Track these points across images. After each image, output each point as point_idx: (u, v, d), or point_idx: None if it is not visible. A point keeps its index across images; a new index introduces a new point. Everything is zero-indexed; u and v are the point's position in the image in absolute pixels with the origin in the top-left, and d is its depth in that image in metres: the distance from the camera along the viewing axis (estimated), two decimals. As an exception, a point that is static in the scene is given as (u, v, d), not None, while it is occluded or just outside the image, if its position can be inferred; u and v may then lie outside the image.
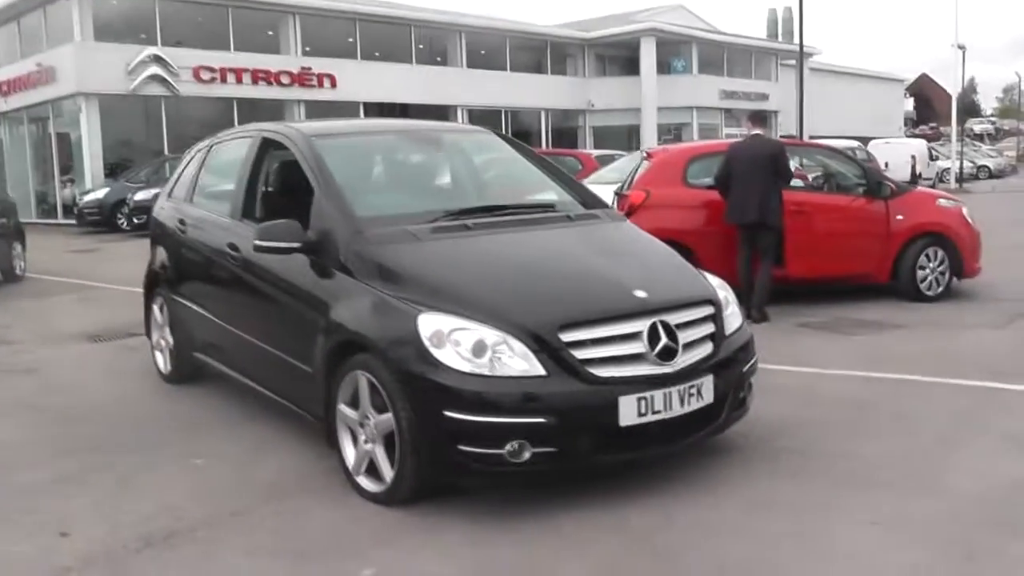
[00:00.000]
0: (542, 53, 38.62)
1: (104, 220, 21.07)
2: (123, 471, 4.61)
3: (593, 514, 3.90)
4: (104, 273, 13.28)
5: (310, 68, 29.26)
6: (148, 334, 6.68)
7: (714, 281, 4.65)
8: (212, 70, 26.89)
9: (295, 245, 4.45)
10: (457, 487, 4.06)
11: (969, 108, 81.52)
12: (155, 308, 6.48)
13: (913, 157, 32.50)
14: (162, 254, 6.35)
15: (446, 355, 3.76)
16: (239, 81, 27.58)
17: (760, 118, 9.00)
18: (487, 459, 3.74)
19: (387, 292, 4.07)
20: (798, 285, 8.74)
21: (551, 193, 5.31)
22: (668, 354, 4.00)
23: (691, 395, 4.04)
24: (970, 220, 9.28)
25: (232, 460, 4.73)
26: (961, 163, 35.95)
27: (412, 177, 5.52)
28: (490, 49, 35.91)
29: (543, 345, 3.80)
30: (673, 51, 40.85)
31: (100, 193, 22.05)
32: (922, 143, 34.30)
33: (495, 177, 5.66)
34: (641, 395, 3.88)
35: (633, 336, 3.96)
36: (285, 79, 28.48)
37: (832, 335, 7.58)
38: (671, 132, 39.10)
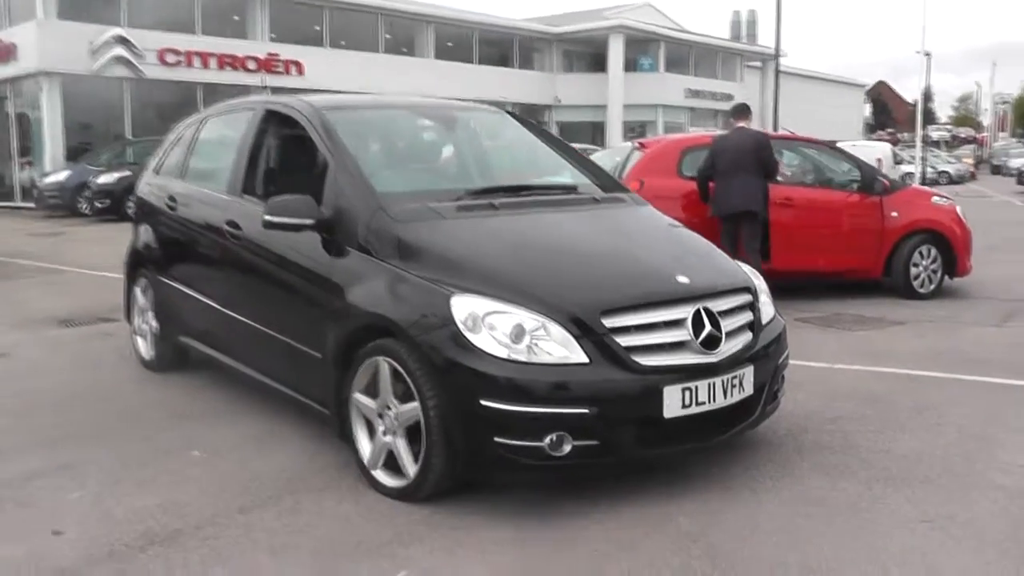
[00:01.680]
0: (509, 47, 38.41)
1: (65, 204, 20.42)
2: (116, 463, 4.28)
3: (636, 511, 3.66)
4: (69, 257, 12.80)
5: (277, 54, 28.78)
6: (128, 318, 6.32)
7: (747, 269, 4.44)
8: (178, 53, 26.30)
9: (308, 222, 4.15)
10: (480, 482, 3.80)
11: (926, 116, 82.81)
12: (137, 291, 6.12)
13: (879, 160, 32.69)
14: (147, 233, 5.99)
15: (482, 340, 3.50)
16: (205, 65, 27.01)
17: (743, 111, 8.76)
18: (526, 452, 3.48)
19: (413, 272, 3.79)
20: (792, 279, 8.60)
21: (569, 175, 5.06)
22: (712, 343, 3.77)
23: (733, 386, 3.82)
24: (963, 219, 9.21)
25: (232, 453, 4.42)
26: (924, 167, 36.30)
27: (428, 154, 5.23)
28: (458, 41, 35.64)
29: (585, 330, 3.55)
30: (640, 49, 40.84)
31: (61, 176, 21.36)
32: (887, 146, 34.53)
33: (511, 157, 5.39)
34: (686, 385, 3.65)
35: (676, 323, 3.73)
36: (251, 65, 27.95)
37: (832, 330, 7.45)
38: (635, 130, 39.05)
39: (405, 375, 3.65)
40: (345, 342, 3.97)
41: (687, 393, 3.66)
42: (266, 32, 29.15)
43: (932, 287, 8.91)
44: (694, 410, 3.69)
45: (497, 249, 3.95)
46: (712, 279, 4.06)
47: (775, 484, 3.97)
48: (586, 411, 3.48)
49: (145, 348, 6.06)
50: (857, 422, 4.84)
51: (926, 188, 10.96)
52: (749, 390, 3.91)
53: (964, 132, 73.73)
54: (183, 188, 5.65)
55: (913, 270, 8.85)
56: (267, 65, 28.32)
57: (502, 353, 3.48)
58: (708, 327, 3.78)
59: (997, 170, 44.20)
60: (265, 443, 4.53)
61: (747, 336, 4.00)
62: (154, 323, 5.87)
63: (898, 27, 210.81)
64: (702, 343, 3.74)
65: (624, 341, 3.59)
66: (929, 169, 37.62)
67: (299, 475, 4.10)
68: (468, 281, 3.68)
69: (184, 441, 4.56)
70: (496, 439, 3.47)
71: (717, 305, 3.90)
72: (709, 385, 3.72)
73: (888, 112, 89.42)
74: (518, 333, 3.50)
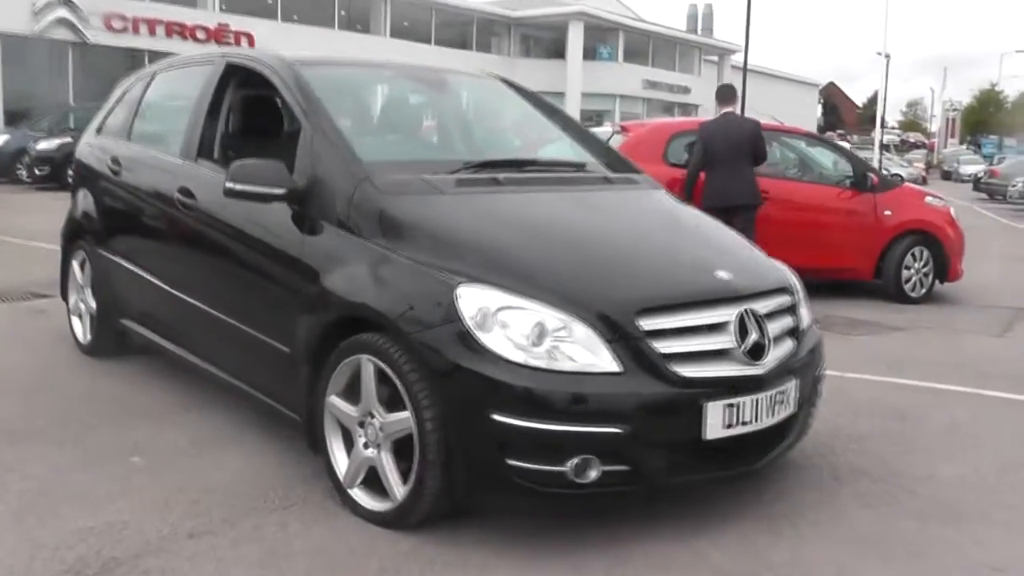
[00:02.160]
0: (468, 29, 37.70)
1: (2, 170, 19.32)
2: (42, 470, 3.59)
3: (664, 546, 3.10)
4: (3, 225, 11.87)
5: (227, 25, 27.80)
6: (64, 295, 5.58)
7: (783, 266, 3.88)
8: (124, 19, 25.25)
9: (278, 191, 3.49)
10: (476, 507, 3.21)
11: (874, 119, 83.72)
12: (75, 264, 5.39)
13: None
14: (87, 200, 5.25)
15: (494, 340, 2.89)
16: (152, 33, 25.99)
17: (730, 94, 8.14)
18: (544, 477, 2.89)
19: (406, 255, 3.17)
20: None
21: (572, 151, 4.45)
22: (757, 352, 3.22)
23: (779, 403, 3.28)
24: (957, 221, 8.83)
25: (179, 460, 3.75)
26: (880, 168, 36.39)
27: (415, 120, 4.57)
28: (414, 21, 34.83)
29: (618, 333, 2.96)
30: (600, 37, 40.41)
31: None
32: (846, 146, 34.50)
33: (508, 128, 4.76)
34: (729, 401, 3.09)
35: (718, 327, 3.16)
36: (201, 35, 26.96)
37: (829, 335, 6.89)
38: (592, 119, 38.58)
39: (395, 378, 3.04)
40: (319, 336, 3.34)
41: (730, 411, 3.10)
42: (217, 1, 28.07)
43: (923, 291, 8.52)
44: (737, 431, 3.13)
45: (508, 232, 3.34)
46: (754, 276, 3.50)
47: (817, 517, 3.43)
48: (617, 430, 2.89)
49: (82, 330, 5.34)
50: (888, 442, 4.34)
51: (919, 187, 10.58)
52: (792, 407, 3.37)
53: (913, 137, 74.60)
54: (128, 150, 4.94)
55: (904, 272, 8.43)
56: (217, 35, 27.36)
57: (518, 357, 2.87)
58: (754, 333, 3.22)
59: (947, 175, 44.60)
60: (219, 449, 3.88)
61: (790, 344, 3.45)
62: (92, 302, 5.15)
63: (847, 31, 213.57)
64: (748, 352, 3.18)
65: (661, 347, 3.01)
66: (884, 171, 37.73)
67: (261, 490, 3.46)
68: (475, 268, 3.07)
69: (124, 444, 3.88)
70: (508, 461, 2.87)
71: (761, 307, 3.34)
72: (754, 401, 3.17)
73: (837, 114, 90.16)
74: (538, 334, 2.91)
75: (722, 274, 3.33)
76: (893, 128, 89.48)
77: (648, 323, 3.00)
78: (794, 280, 3.76)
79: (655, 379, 2.96)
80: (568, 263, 3.20)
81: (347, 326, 3.24)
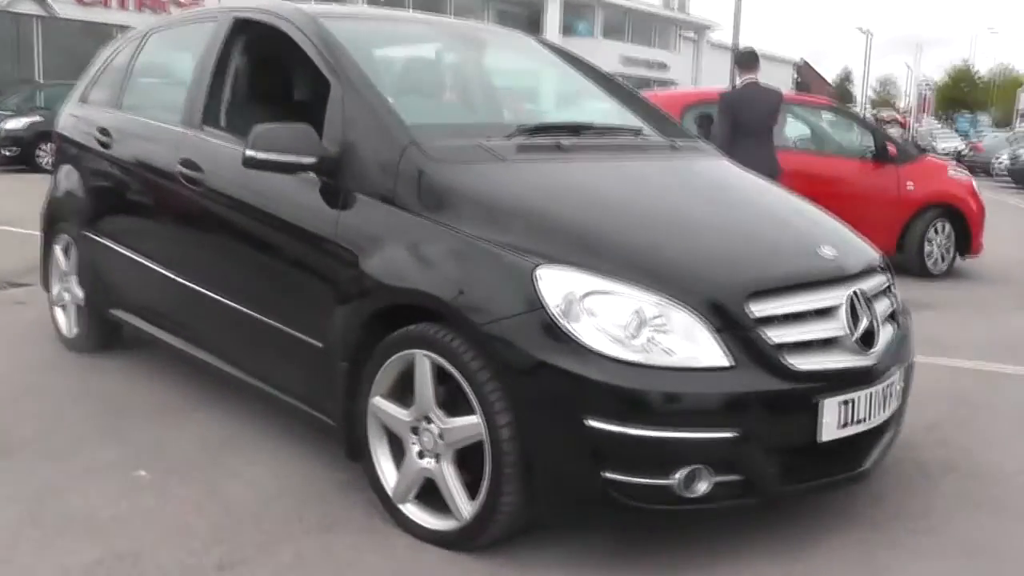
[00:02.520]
0: (443, 3, 36.96)
1: (-32, 151, 18.53)
2: (32, 490, 3.09)
3: (770, 561, 2.67)
4: (-32, 210, 11.22)
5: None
6: (45, 285, 5.04)
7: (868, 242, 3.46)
8: (95, -9, 24.41)
9: (308, 160, 3.01)
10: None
11: (845, 96, 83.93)
12: (57, 250, 4.85)
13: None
14: (71, 177, 4.70)
15: (585, 331, 2.44)
16: (123, 7, 25.14)
17: (752, 60, 7.62)
18: (646, 492, 2.46)
19: (468, 232, 2.70)
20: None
21: (623, 113, 3.99)
22: (868, 339, 2.79)
23: (888, 396, 2.87)
24: (979, 194, 8.48)
25: (191, 471, 3.27)
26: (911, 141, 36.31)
27: (456, 80, 4.08)
28: (390, -4, 34.07)
29: (727, 321, 2.52)
30: (577, 13, 39.90)
31: (-36, 121, 19.38)
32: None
33: (551, 89, 4.27)
34: (845, 397, 2.67)
35: (827, 312, 2.74)
36: (174, 9, 26.02)
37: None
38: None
39: (459, 377, 2.58)
40: (360, 328, 2.88)
41: (845, 408, 2.68)
42: (190, -25, 27.28)
43: (944, 266, 8.19)
44: (851, 430, 2.71)
45: (586, 205, 2.88)
46: (857, 253, 3.08)
47: (927, 522, 3.03)
48: (731, 435, 2.46)
49: (66, 323, 4.81)
50: (964, 431, 3.97)
51: (941, 159, 10.21)
52: (898, 400, 2.96)
53: (887, 114, 74.63)
54: (119, 120, 4.40)
55: (926, 247, 8.08)
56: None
57: (615, 351, 2.43)
58: (865, 318, 2.80)
59: (923, 151, 44.52)
60: (235, 455, 3.40)
61: (892, 329, 3.03)
62: (78, 291, 4.63)
63: (815, 10, 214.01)
64: (860, 339, 2.76)
65: (774, 336, 2.57)
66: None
67: (292, 507, 2.99)
68: (554, 247, 2.61)
69: (126, 454, 3.39)
70: (605, 474, 2.43)
71: (868, 288, 2.92)
72: (868, 396, 2.75)
73: (809, 91, 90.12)
74: (636, 323, 2.46)
75: (827, 251, 2.90)
76: (865, 106, 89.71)
77: (758, 309, 2.56)
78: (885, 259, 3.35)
79: (769, 374, 2.53)
80: (661, 241, 2.75)
81: (395, 316, 2.78)
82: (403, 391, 2.80)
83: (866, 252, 3.16)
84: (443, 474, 2.69)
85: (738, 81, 7.59)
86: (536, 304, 2.47)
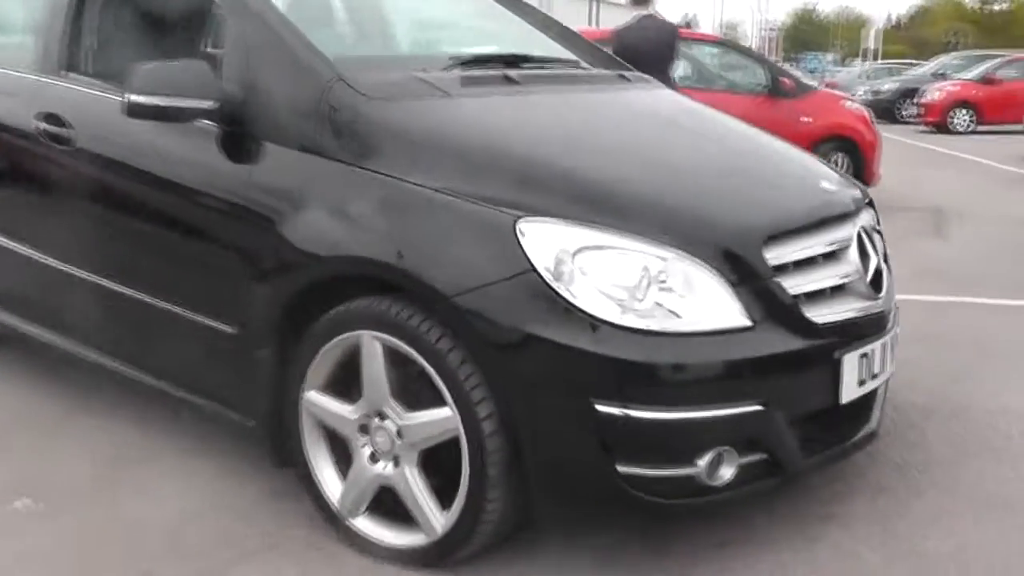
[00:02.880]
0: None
1: None
2: None
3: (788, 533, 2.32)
4: None
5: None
6: None
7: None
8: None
9: (206, 105, 2.43)
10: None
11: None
12: None
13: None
14: None
15: (584, 295, 1.99)
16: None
17: None
18: (667, 486, 2.04)
19: (426, 184, 2.19)
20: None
21: (552, 44, 3.50)
22: (877, 282, 2.46)
23: (894, 346, 2.54)
24: (873, 123, 8.41)
25: (86, 494, 2.67)
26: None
27: (368, 11, 3.48)
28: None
29: (744, 274, 2.12)
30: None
31: None
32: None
33: (475, 20, 3.71)
34: (863, 350, 2.32)
35: (835, 254, 2.37)
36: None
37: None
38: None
39: (423, 363, 2.10)
40: (284, 308, 2.36)
41: (864, 362, 2.34)
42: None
43: (842, 199, 8.09)
44: (868, 387, 2.38)
45: (561, 144, 2.42)
46: (848, 186, 2.71)
47: (930, 476, 2.74)
48: (756, 408, 2.06)
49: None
50: (929, 369, 3.70)
51: (835, 91, 10.13)
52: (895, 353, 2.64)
53: (735, 56, 76.48)
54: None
55: (824, 181, 7.97)
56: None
57: (620, 318, 1.99)
58: (873, 257, 2.46)
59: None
60: (135, 470, 2.81)
61: (887, 269, 2.70)
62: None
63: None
64: (871, 282, 2.42)
65: (790, 287, 2.18)
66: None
67: (217, 529, 2.47)
68: (534, 196, 2.14)
69: (2, 480, 2.77)
70: (620, 468, 2.00)
71: (868, 224, 2.58)
72: (881, 347, 2.42)
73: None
74: (643, 282, 2.02)
75: (828, 185, 2.54)
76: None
77: (773, 256, 2.17)
78: None
79: (790, 332, 2.15)
80: (658, 183, 2.31)
81: (332, 291, 2.27)
82: (345, 382, 2.31)
83: (854, 184, 2.81)
84: (406, 480, 2.21)
85: (631, 17, 7.20)
86: (521, 266, 2.00)
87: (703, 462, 2.03)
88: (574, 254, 2.01)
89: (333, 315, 2.26)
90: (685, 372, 2.01)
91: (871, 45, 42.74)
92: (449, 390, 2.07)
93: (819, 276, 2.28)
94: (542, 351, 1.98)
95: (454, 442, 2.10)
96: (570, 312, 1.97)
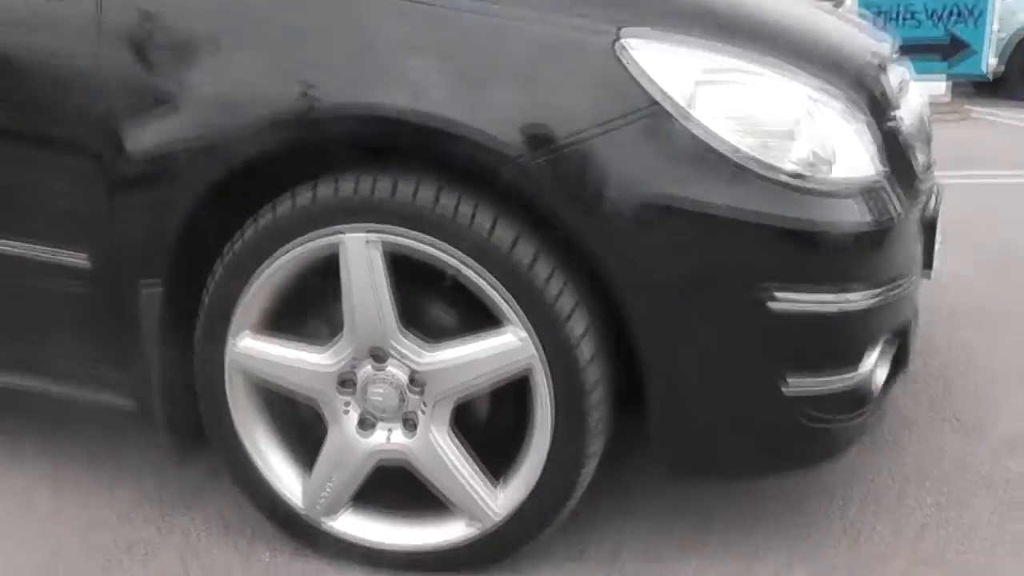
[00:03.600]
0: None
1: None
2: None
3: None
4: None
5: None
6: None
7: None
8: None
9: None
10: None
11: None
12: None
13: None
14: None
15: (729, 138, 1.35)
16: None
17: None
18: (838, 401, 1.46)
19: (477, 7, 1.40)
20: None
21: None
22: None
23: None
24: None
25: None
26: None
27: None
28: None
29: (874, 108, 1.56)
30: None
31: None
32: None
33: None
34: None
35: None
36: None
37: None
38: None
39: (467, 267, 1.37)
40: (186, 216, 1.50)
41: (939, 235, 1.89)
42: None
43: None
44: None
45: None
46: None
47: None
48: (904, 283, 1.53)
49: None
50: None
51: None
52: None
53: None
54: None
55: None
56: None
57: (771, 171, 1.36)
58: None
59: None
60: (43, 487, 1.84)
61: None
62: None
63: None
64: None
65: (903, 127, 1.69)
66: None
67: (118, 536, 1.60)
68: (628, 6, 1.44)
69: None
70: (790, 381, 1.39)
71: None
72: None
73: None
74: (799, 123, 1.40)
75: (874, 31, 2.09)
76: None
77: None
78: None
79: (910, 184, 1.63)
80: (774, 18, 1.64)
81: (247, 187, 1.47)
82: (297, 319, 1.53)
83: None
84: (434, 450, 1.48)
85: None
86: (638, 100, 1.32)
87: (872, 359, 1.48)
88: (698, 84, 1.36)
89: (290, 212, 1.45)
90: (850, 237, 1.41)
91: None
92: (521, 303, 1.36)
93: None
94: (679, 222, 1.33)
95: (505, 390, 1.42)
96: (724, 163, 1.32)
